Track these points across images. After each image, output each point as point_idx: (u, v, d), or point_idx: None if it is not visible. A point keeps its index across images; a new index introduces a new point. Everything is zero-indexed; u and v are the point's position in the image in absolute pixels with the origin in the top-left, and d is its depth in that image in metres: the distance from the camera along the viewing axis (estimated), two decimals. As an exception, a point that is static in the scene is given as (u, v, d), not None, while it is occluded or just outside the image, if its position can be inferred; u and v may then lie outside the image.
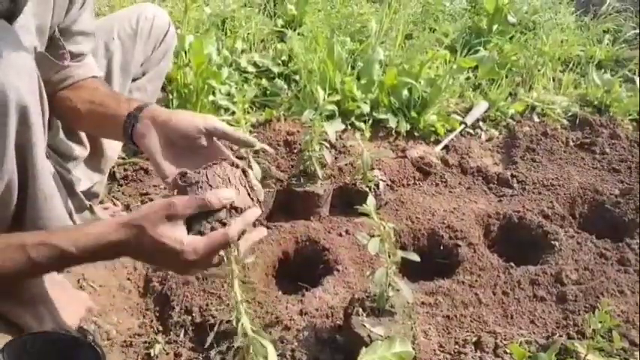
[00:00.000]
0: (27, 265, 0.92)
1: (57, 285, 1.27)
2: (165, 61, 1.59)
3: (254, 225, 1.02)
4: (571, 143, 2.20)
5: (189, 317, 1.30)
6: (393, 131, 2.11)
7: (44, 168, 1.03)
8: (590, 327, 1.19)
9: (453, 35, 2.69)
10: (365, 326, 1.13)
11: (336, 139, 1.93)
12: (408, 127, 2.13)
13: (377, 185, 1.72)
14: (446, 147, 2.11)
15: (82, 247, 0.92)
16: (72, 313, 1.24)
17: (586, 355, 1.18)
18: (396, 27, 2.61)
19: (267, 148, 1.60)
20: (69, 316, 1.23)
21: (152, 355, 1.23)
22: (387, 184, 1.80)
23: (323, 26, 2.63)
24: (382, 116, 2.13)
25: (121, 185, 1.71)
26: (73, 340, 1.12)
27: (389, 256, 1.17)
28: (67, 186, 1.32)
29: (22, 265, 0.92)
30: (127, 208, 1.61)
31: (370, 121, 2.12)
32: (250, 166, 1.60)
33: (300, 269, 1.51)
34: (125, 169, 1.74)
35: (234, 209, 0.95)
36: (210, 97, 2.02)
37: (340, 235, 1.61)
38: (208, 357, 1.21)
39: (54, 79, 1.21)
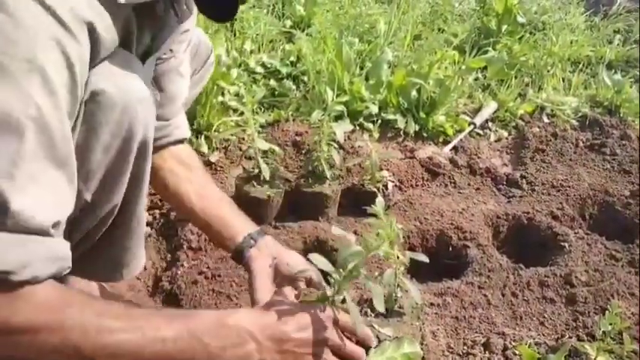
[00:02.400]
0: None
1: (94, 290, 1.28)
2: (200, 86, 1.55)
3: None
4: (581, 144, 2.19)
5: (198, 317, 1.31)
6: (402, 132, 2.11)
7: (145, 195, 1.04)
8: (600, 329, 1.18)
9: (462, 36, 2.68)
10: (373, 327, 1.13)
11: (345, 140, 1.93)
12: (417, 127, 2.12)
13: (385, 186, 1.72)
14: (455, 148, 2.10)
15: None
16: None
17: (596, 357, 1.17)
18: (405, 27, 2.61)
19: (275, 148, 1.61)
20: None
21: (161, 354, 1.24)
22: (396, 185, 1.80)
23: (331, 27, 2.63)
24: (391, 117, 2.13)
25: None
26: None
27: (397, 257, 1.17)
28: None
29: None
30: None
31: (379, 122, 2.12)
32: (259, 167, 1.60)
33: (309, 269, 1.51)
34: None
35: None
36: (220, 98, 2.03)
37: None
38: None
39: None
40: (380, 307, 0.95)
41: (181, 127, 1.26)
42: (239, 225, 1.18)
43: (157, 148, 1.17)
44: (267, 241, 1.16)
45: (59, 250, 0.78)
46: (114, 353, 0.77)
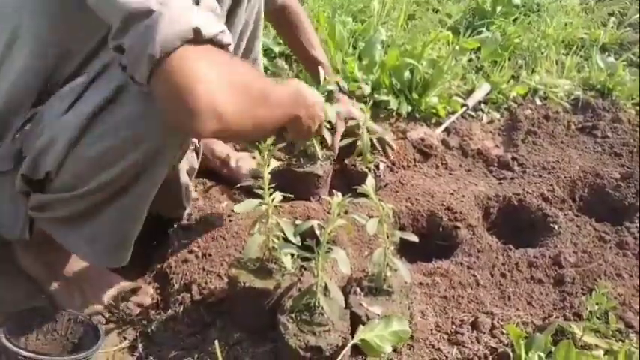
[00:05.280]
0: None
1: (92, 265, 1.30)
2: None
3: None
4: (573, 127, 2.19)
5: (189, 295, 1.31)
6: (394, 113, 2.10)
7: (151, 194, 1.12)
8: (586, 309, 1.19)
9: (456, 16, 2.66)
10: (362, 305, 1.14)
11: (337, 120, 1.92)
12: (409, 108, 2.11)
13: (377, 167, 1.71)
14: (447, 129, 2.10)
15: None
16: (101, 292, 1.29)
17: (582, 336, 1.18)
18: (399, 7, 2.59)
19: None
20: (97, 295, 1.28)
21: (150, 332, 1.24)
22: (387, 166, 1.79)
23: (325, 5, 2.60)
24: (383, 97, 2.12)
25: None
26: (71, 317, 1.14)
27: (387, 237, 1.17)
28: None
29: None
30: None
31: (371, 102, 2.09)
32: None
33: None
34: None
35: None
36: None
37: (339, 215, 1.60)
38: (207, 334, 1.22)
39: None
40: (345, 270, 1.08)
41: None
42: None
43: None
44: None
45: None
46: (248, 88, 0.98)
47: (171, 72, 0.85)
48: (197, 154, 1.43)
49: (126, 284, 1.34)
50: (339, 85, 1.76)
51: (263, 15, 1.54)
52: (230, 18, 1.32)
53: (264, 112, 1.00)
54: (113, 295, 1.30)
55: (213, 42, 0.89)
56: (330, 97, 1.74)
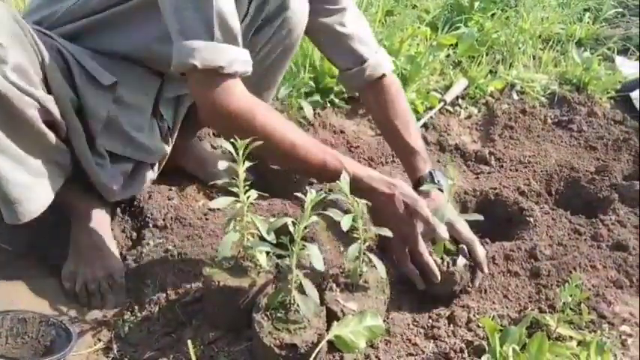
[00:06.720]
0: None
1: (98, 241, 1.36)
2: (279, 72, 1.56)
3: None
4: (549, 121, 2.21)
5: (164, 295, 1.30)
6: (373, 109, 2.09)
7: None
8: (561, 301, 1.20)
9: (434, 12, 2.66)
10: (338, 301, 1.14)
11: (315, 117, 1.92)
12: (388, 104, 2.11)
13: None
14: (425, 124, 2.10)
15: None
16: (93, 272, 1.32)
17: (556, 328, 1.20)
18: (377, 3, 2.58)
19: None
20: (85, 274, 1.32)
21: (125, 333, 1.23)
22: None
23: (303, 2, 2.59)
24: (361, 93, 2.11)
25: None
26: (43, 320, 1.12)
27: (365, 232, 1.17)
28: None
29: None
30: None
31: (350, 99, 2.10)
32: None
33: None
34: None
35: None
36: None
37: (314, 212, 1.59)
38: (182, 334, 1.21)
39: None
40: (319, 266, 1.09)
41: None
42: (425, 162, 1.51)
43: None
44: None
45: (246, 55, 1.15)
46: (286, 141, 1.20)
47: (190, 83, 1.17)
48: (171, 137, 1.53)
49: (119, 277, 1.35)
50: (431, 175, 1.45)
51: (293, 49, 1.42)
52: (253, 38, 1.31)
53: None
54: (97, 277, 1.31)
55: (217, 71, 1.11)
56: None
